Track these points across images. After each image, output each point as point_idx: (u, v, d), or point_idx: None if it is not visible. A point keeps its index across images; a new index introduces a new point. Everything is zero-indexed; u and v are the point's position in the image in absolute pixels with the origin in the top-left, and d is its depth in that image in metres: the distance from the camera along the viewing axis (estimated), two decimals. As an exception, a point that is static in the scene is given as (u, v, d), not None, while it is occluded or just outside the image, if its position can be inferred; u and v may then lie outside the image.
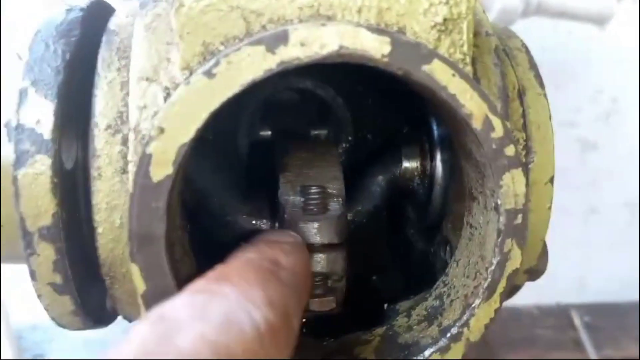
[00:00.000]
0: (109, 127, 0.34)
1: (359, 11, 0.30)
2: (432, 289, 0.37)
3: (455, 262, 0.35)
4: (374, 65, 0.28)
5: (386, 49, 0.27)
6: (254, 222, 0.40)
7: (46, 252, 0.34)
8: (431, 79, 0.28)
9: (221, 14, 0.29)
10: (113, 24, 0.37)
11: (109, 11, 0.40)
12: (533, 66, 0.39)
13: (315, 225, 0.36)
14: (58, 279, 0.34)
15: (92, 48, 0.37)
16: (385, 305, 0.40)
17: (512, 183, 0.30)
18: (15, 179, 0.33)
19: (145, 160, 0.27)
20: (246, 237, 0.33)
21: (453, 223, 0.40)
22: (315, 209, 0.36)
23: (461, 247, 0.35)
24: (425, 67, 0.28)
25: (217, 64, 0.27)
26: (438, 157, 0.41)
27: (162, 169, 0.27)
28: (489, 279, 0.31)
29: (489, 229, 0.32)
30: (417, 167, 0.43)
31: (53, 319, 0.37)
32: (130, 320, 0.40)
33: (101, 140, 0.34)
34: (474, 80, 0.29)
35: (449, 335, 0.32)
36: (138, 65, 0.32)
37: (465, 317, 0.32)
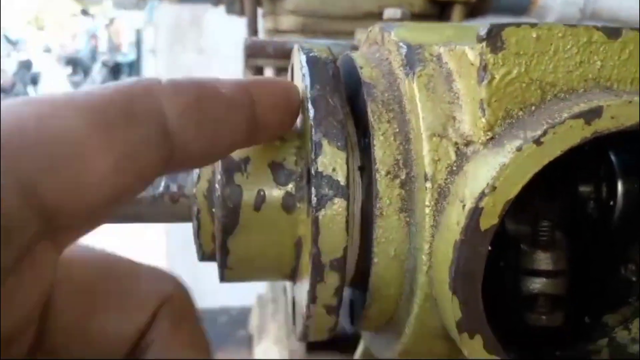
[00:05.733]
0: (388, 173, 0.39)
1: (632, 82, 0.36)
2: (642, 305, 0.43)
3: (670, 284, 0.42)
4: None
5: (676, 121, 0.33)
6: None
7: (332, 280, 0.39)
8: None
9: (523, 86, 0.35)
10: (366, 77, 0.43)
11: (350, 62, 0.45)
12: None
13: (550, 254, 0.42)
14: (335, 302, 0.40)
15: (352, 99, 0.43)
16: (587, 318, 0.47)
17: None
18: (316, 220, 0.38)
19: (476, 213, 0.33)
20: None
21: (643, 247, 0.46)
22: (546, 240, 0.43)
23: (675, 273, 0.42)
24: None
25: (544, 133, 0.33)
26: (620, 185, 0.47)
27: (490, 220, 0.33)
28: None
29: None
30: (592, 191, 0.49)
31: (307, 334, 0.43)
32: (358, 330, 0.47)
33: (383, 184, 0.39)
34: None
35: (682, 347, 0.39)
36: (426, 123, 0.38)
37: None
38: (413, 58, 0.41)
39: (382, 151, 0.40)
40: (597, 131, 0.33)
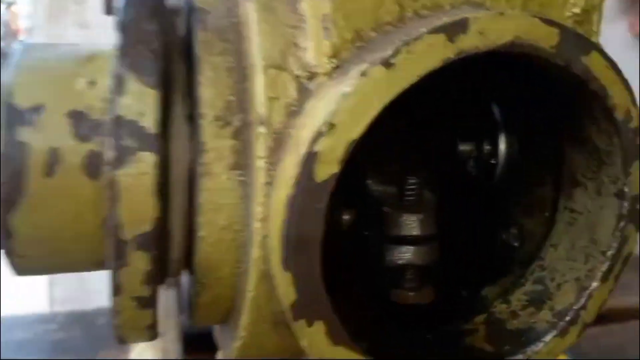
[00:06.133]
0: (217, 118, 0.30)
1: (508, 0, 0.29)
2: (526, 273, 0.37)
3: (553, 246, 0.36)
4: (537, 55, 0.27)
5: (555, 40, 0.27)
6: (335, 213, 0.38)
7: (139, 263, 0.30)
8: (587, 70, 0.28)
9: (375, -1, 0.27)
10: (200, 1, 0.33)
11: None
12: None
13: (417, 217, 0.35)
14: (146, 291, 0.31)
15: (183, 28, 0.33)
16: (465, 292, 0.40)
17: (638, 170, 0.31)
18: (113, 181, 0.29)
19: (310, 159, 0.25)
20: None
21: (526, 207, 0.41)
22: (413, 200, 0.36)
23: (558, 232, 0.36)
24: (584, 59, 0.28)
25: (396, 53, 0.25)
26: (503, 141, 0.42)
27: (329, 168, 0.25)
28: (607, 263, 0.32)
29: (604, 214, 0.33)
30: (473, 149, 0.44)
31: (121, 335, 0.34)
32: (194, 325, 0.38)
33: (209, 133, 0.30)
34: (620, 71, 0.29)
35: (567, 318, 0.33)
36: (262, 51, 0.29)
37: (582, 300, 0.33)
38: None
39: (210, 90, 0.31)
40: (462, 50, 0.25)
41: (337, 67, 0.28)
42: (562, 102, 0.33)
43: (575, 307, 0.33)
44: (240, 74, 0.31)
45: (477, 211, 0.44)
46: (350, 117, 0.25)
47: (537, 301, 0.35)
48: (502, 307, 0.37)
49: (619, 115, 0.29)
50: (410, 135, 0.41)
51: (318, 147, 0.25)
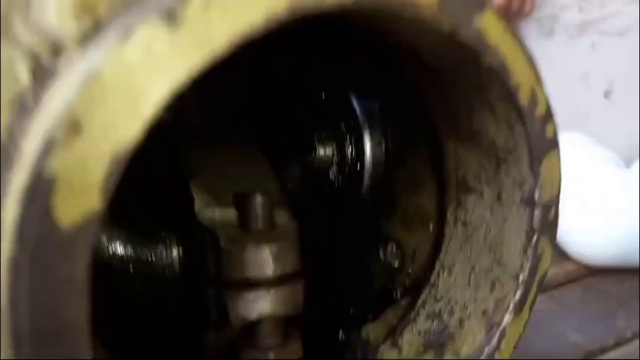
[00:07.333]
0: None
1: None
2: (416, 306, 0.29)
3: (446, 269, 0.28)
4: (413, 18, 0.18)
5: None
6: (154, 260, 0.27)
7: None
8: (481, 37, 0.19)
9: None
10: None
11: None
12: None
13: (269, 250, 0.25)
14: None
15: None
16: (341, 334, 0.31)
17: (550, 169, 0.23)
18: None
19: (40, 190, 0.14)
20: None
21: (403, 219, 0.32)
22: (261, 226, 0.26)
23: (451, 251, 0.28)
24: (478, 20, 0.19)
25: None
26: (367, 139, 0.33)
27: (80, 203, 0.14)
28: (520, 290, 0.25)
29: (510, 227, 0.25)
30: (334, 154, 0.35)
31: None
32: None
33: None
34: (519, 36, 0.21)
35: (479, 365, 0.25)
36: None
37: (495, 340, 0.25)
38: None
39: None
40: (294, 7, 0.16)
41: (93, 32, 0.16)
42: (438, 83, 0.24)
43: (487, 349, 0.25)
44: None
45: (347, 229, 0.35)
46: (110, 112, 0.14)
47: (436, 344, 0.27)
48: (391, 353, 0.28)
49: (523, 99, 0.21)
50: (250, 134, 0.31)
51: (53, 166, 0.14)
